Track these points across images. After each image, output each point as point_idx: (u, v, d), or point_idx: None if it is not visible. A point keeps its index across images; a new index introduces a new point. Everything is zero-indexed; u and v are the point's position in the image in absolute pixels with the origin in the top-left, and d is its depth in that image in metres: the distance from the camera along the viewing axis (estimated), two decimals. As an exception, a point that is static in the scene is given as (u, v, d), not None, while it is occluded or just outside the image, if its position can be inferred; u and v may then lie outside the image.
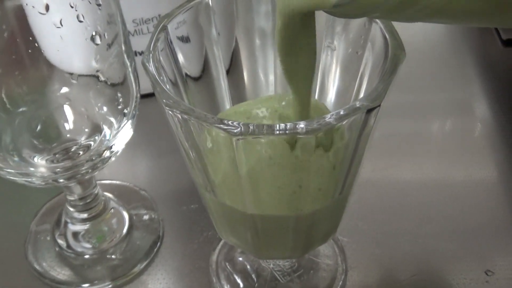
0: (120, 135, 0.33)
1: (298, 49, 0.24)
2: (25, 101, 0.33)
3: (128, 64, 0.31)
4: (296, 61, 0.24)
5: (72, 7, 0.28)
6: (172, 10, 0.28)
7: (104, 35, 0.30)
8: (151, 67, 0.25)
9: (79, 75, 0.33)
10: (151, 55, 0.25)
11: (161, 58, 0.27)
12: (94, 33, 0.29)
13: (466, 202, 0.40)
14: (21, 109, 0.32)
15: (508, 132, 0.45)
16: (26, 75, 0.32)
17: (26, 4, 0.28)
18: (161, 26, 0.27)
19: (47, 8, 0.29)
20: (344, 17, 0.22)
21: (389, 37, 0.25)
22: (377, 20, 0.26)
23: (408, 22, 0.20)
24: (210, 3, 0.29)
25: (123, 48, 0.31)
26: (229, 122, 0.21)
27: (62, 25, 0.28)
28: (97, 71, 0.32)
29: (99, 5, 0.28)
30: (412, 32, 0.56)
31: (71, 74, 0.33)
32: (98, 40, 0.30)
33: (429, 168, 0.43)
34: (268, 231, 0.28)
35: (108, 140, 0.33)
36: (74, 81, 0.33)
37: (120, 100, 0.33)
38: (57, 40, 0.30)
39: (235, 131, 0.21)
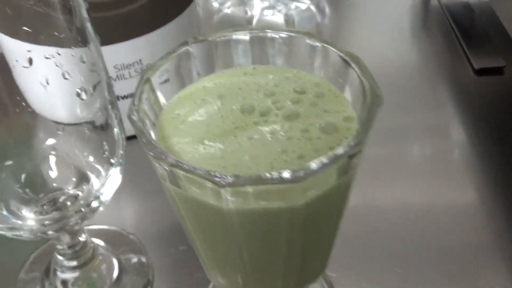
0: (108, 184, 0.33)
1: None
2: (12, 154, 0.33)
3: (113, 115, 0.32)
4: None
5: (57, 66, 0.28)
6: (155, 62, 0.28)
7: (89, 89, 0.30)
8: (137, 119, 0.25)
9: (65, 125, 0.33)
10: (135, 108, 0.26)
11: (145, 107, 0.27)
12: (79, 90, 0.30)
13: (450, 229, 0.41)
14: (7, 163, 0.33)
15: (485, 156, 0.47)
16: (12, 128, 0.33)
17: (11, 62, 0.29)
18: (145, 78, 0.27)
19: (30, 61, 0.29)
20: None
21: (365, 82, 0.26)
22: (354, 66, 0.27)
23: None
24: (191, 50, 0.30)
25: (107, 98, 0.32)
26: (217, 174, 0.22)
27: (48, 84, 0.29)
28: (83, 121, 0.33)
29: (83, 62, 0.29)
30: (387, 62, 0.57)
31: (57, 124, 0.33)
32: (83, 96, 0.30)
33: (410, 195, 0.44)
34: (256, 259, 0.28)
35: (96, 190, 0.33)
36: (60, 132, 0.33)
37: (106, 148, 0.33)
38: (42, 93, 0.31)
39: (223, 182, 0.22)
